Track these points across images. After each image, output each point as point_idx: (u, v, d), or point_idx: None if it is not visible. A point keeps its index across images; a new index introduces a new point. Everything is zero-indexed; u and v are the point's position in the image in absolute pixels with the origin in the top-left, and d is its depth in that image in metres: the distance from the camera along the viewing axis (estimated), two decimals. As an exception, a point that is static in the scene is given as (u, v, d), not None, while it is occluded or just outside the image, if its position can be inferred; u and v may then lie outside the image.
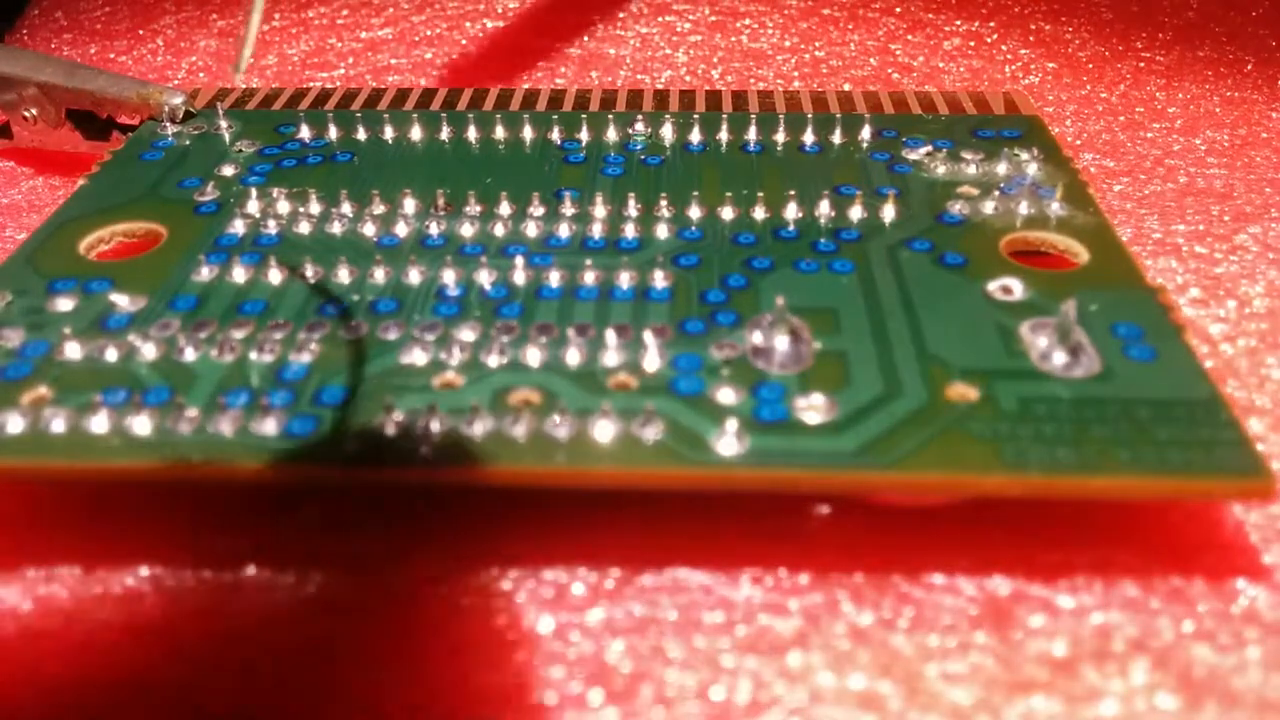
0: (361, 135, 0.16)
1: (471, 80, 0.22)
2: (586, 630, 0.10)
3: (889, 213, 0.14)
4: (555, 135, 0.16)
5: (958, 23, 0.22)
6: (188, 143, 0.16)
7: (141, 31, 0.24)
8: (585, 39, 0.22)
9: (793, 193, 0.14)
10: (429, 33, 0.23)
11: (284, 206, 0.15)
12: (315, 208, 0.15)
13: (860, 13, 0.23)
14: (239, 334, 0.12)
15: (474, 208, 0.14)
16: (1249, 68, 0.21)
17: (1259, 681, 0.10)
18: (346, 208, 0.14)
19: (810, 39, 0.22)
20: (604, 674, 0.10)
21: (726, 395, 0.11)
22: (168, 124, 0.17)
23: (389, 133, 0.16)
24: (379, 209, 0.14)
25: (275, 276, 0.13)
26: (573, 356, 0.12)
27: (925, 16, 0.23)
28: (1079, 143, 0.19)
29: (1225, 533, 0.11)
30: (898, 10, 0.23)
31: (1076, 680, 0.10)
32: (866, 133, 0.16)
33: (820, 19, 0.23)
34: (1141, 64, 0.21)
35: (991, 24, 0.22)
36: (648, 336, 0.12)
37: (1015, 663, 0.10)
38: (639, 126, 0.16)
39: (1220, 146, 0.19)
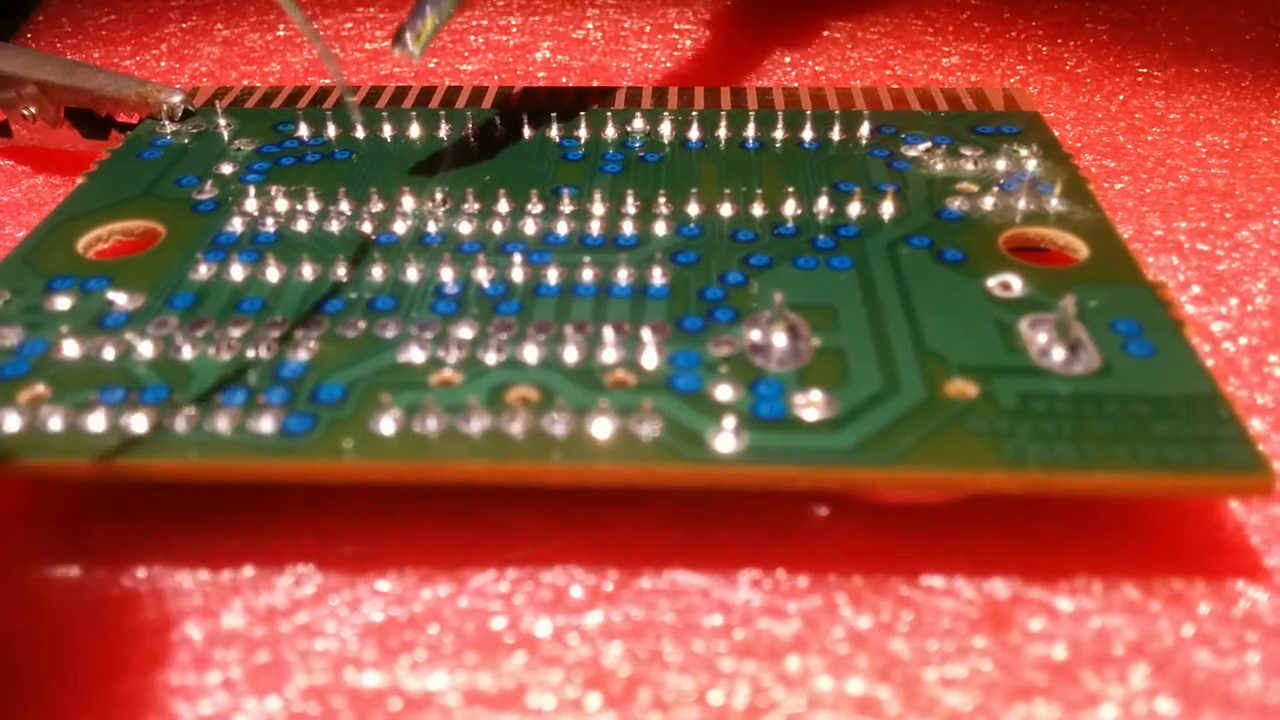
0: (360, 133, 0.16)
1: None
2: (584, 633, 0.10)
3: (888, 209, 0.14)
4: (554, 132, 0.16)
5: (955, 44, 0.23)
6: (186, 141, 0.16)
7: (145, 38, 0.24)
8: (587, 53, 0.23)
9: (791, 189, 0.14)
10: (432, 44, 0.23)
11: (282, 204, 0.15)
12: (313, 205, 0.15)
13: (859, 33, 0.23)
14: (236, 332, 0.12)
15: (472, 205, 0.14)
16: (1246, 83, 0.21)
17: (1259, 686, 0.10)
18: (345, 205, 0.14)
19: (809, 57, 0.22)
20: (602, 678, 0.10)
21: (725, 392, 0.11)
22: (166, 122, 0.17)
23: (387, 130, 0.16)
24: (377, 206, 0.14)
25: (273, 274, 0.13)
26: (571, 354, 0.12)
27: (923, 38, 0.23)
28: (1079, 145, 0.19)
29: (1226, 535, 0.11)
30: (896, 33, 0.23)
31: (1076, 685, 0.10)
32: (865, 129, 0.16)
33: (820, 39, 0.23)
34: (1139, 79, 0.21)
35: (988, 45, 0.23)
36: (646, 333, 0.12)
37: (1014, 667, 0.10)
38: (637, 123, 0.16)
39: (1221, 149, 0.19)
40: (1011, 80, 0.21)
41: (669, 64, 0.22)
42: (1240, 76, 0.21)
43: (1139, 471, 0.10)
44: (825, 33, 0.23)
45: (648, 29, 0.24)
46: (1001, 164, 0.15)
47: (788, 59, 0.22)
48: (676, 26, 0.24)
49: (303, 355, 0.12)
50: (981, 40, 0.23)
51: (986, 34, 0.23)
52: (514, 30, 0.24)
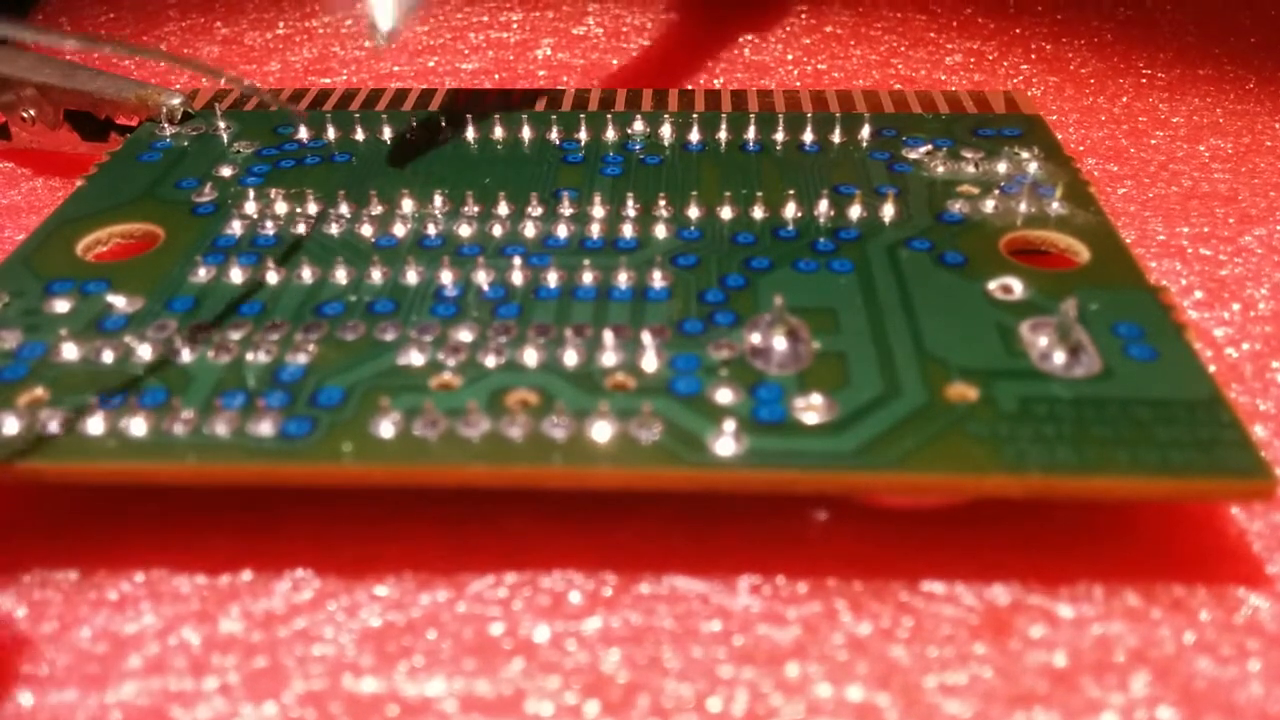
0: (360, 136, 0.16)
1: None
2: (583, 639, 0.10)
3: (888, 212, 0.14)
4: (554, 135, 0.16)
5: (959, 41, 0.23)
6: (186, 144, 0.16)
7: (145, 38, 0.24)
8: (589, 50, 0.23)
9: (792, 192, 0.14)
10: (432, 42, 0.23)
11: (282, 207, 0.15)
12: (313, 208, 0.14)
13: (862, 30, 0.23)
14: (236, 335, 0.12)
15: (472, 208, 0.14)
16: (1251, 85, 0.21)
17: (1260, 694, 0.10)
18: (344, 208, 0.14)
19: (812, 53, 0.22)
20: (600, 684, 0.10)
21: (725, 395, 0.11)
22: (166, 125, 0.17)
23: (387, 133, 0.16)
24: (377, 209, 0.14)
25: (272, 277, 0.13)
26: (570, 357, 0.12)
27: (927, 35, 0.23)
28: (1082, 148, 0.19)
29: (1227, 541, 0.11)
30: (900, 29, 0.23)
31: (1076, 692, 0.10)
32: (866, 132, 0.16)
33: (823, 35, 0.23)
34: (1143, 80, 0.21)
35: (993, 43, 0.23)
36: (646, 337, 0.12)
37: (1014, 674, 0.10)
38: (638, 126, 0.16)
39: (1224, 153, 0.19)
40: (1015, 80, 0.21)
41: (670, 60, 0.22)
42: (1244, 80, 0.21)
43: (1140, 476, 0.10)
44: (828, 28, 0.23)
45: (649, 25, 0.24)
46: (1002, 167, 0.15)
47: (790, 56, 0.22)
48: (677, 22, 0.24)
49: (302, 358, 0.12)
50: (985, 37, 0.23)
51: (991, 30, 0.23)
52: (515, 27, 0.24)
